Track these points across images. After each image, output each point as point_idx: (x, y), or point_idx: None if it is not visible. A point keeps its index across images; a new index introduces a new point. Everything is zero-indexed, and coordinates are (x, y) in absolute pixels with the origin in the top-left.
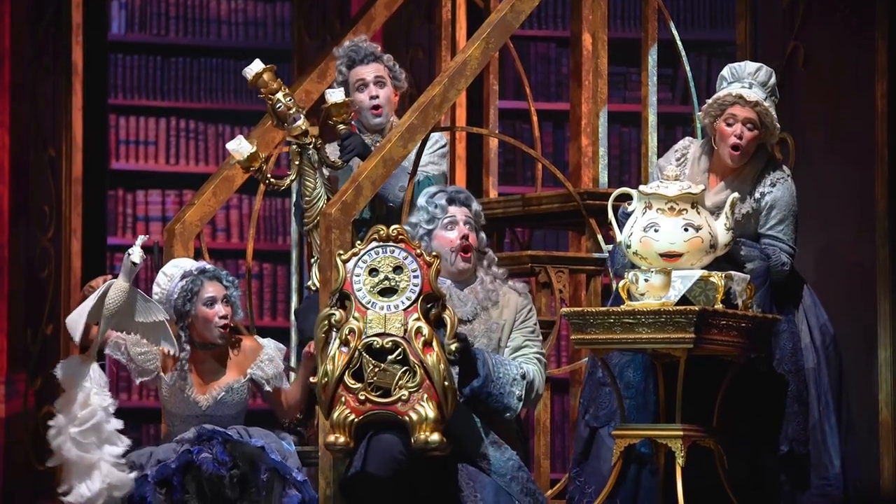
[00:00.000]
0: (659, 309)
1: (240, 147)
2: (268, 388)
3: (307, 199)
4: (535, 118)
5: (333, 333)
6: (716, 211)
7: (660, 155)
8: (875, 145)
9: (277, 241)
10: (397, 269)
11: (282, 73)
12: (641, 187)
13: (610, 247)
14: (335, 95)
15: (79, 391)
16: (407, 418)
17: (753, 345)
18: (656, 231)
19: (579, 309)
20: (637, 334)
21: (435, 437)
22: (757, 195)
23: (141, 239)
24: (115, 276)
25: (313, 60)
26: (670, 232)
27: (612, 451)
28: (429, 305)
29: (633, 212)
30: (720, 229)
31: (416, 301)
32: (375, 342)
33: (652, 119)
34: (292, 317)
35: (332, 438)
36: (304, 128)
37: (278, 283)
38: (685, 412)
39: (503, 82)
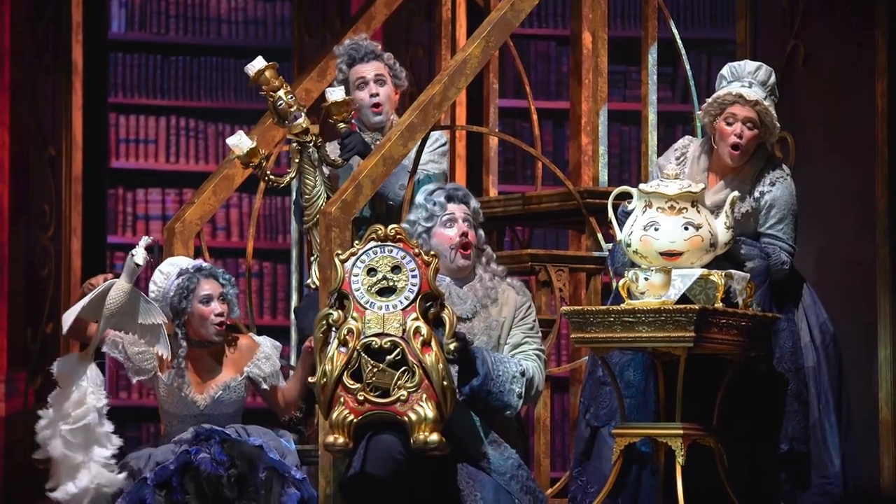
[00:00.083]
0: (659, 308)
1: (240, 142)
2: (265, 385)
3: (307, 197)
4: (535, 117)
5: (332, 333)
6: (715, 210)
7: (660, 154)
8: (875, 144)
9: (277, 240)
10: (395, 268)
11: (282, 72)
12: (641, 186)
13: (610, 245)
14: (335, 94)
15: (74, 389)
16: (406, 418)
17: (753, 343)
18: (656, 230)
19: (579, 308)
20: (637, 333)
21: (434, 437)
22: (756, 194)
23: (144, 240)
24: (116, 276)
25: (313, 59)
26: (670, 230)
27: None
28: (427, 305)
29: (632, 210)
30: (720, 228)
31: (414, 301)
32: (374, 342)
33: (652, 118)
34: (292, 315)
35: (331, 439)
36: (304, 126)
37: (278, 281)
38: (685, 411)
39: (503, 81)
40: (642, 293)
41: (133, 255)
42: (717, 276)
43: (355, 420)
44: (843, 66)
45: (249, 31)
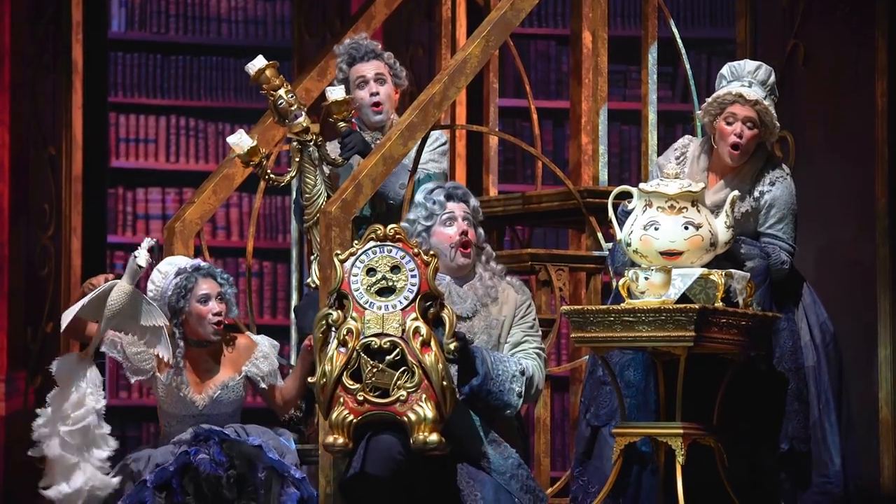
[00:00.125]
0: (659, 307)
1: (240, 141)
2: (263, 385)
3: (307, 196)
4: (535, 116)
5: (331, 333)
6: (715, 210)
7: (660, 153)
8: (875, 143)
9: (277, 239)
10: (395, 268)
11: (282, 71)
12: (641, 185)
13: (610, 245)
14: (336, 93)
15: (73, 390)
16: (405, 419)
17: (753, 343)
18: (656, 229)
19: (579, 307)
20: (637, 332)
21: (433, 437)
22: (756, 194)
23: (147, 242)
24: (116, 276)
25: (313, 58)
26: (670, 230)
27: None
28: (427, 305)
29: (632, 210)
30: (720, 227)
31: (413, 301)
32: (373, 342)
33: (652, 117)
34: (292, 314)
35: (330, 439)
36: (305, 125)
37: (278, 281)
38: (685, 410)
39: (503, 80)
40: (642, 293)
41: (135, 257)
42: (717, 276)
43: (355, 420)
44: (843, 65)
45: (249, 30)
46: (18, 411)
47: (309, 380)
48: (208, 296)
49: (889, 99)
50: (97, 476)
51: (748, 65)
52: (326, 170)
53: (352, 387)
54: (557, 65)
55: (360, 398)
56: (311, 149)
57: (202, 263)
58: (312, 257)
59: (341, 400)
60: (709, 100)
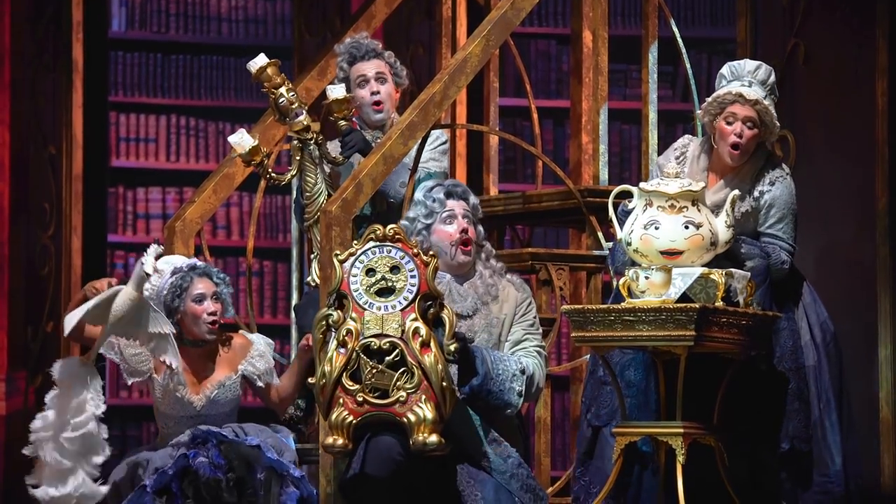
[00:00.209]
0: (659, 306)
1: (242, 140)
2: (259, 383)
3: (308, 194)
4: (535, 115)
5: (331, 334)
6: (715, 209)
7: (660, 152)
8: (875, 143)
9: (278, 239)
10: (394, 268)
11: (282, 71)
12: (642, 184)
13: (610, 244)
14: (336, 91)
15: (75, 396)
16: (405, 419)
17: (754, 342)
18: (657, 228)
19: (580, 306)
20: (637, 332)
21: (433, 438)
22: (756, 194)
23: (154, 250)
24: (118, 278)
25: (313, 58)
26: (671, 229)
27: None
28: (426, 305)
29: (632, 209)
30: (721, 227)
31: (413, 301)
32: (373, 343)
33: (652, 116)
34: (292, 314)
35: (330, 440)
36: (305, 123)
37: (279, 280)
38: (686, 410)
39: (503, 79)
40: (643, 292)
41: (142, 264)
42: (717, 275)
43: (354, 421)
44: (844, 65)
45: (250, 29)
46: (18, 411)
47: (309, 380)
48: (203, 295)
49: (889, 99)
50: (88, 483)
51: (748, 64)
52: (327, 168)
53: (351, 388)
54: (558, 64)
55: (360, 399)
56: (311, 147)
57: (198, 263)
58: (313, 256)
59: (341, 401)
60: (709, 99)
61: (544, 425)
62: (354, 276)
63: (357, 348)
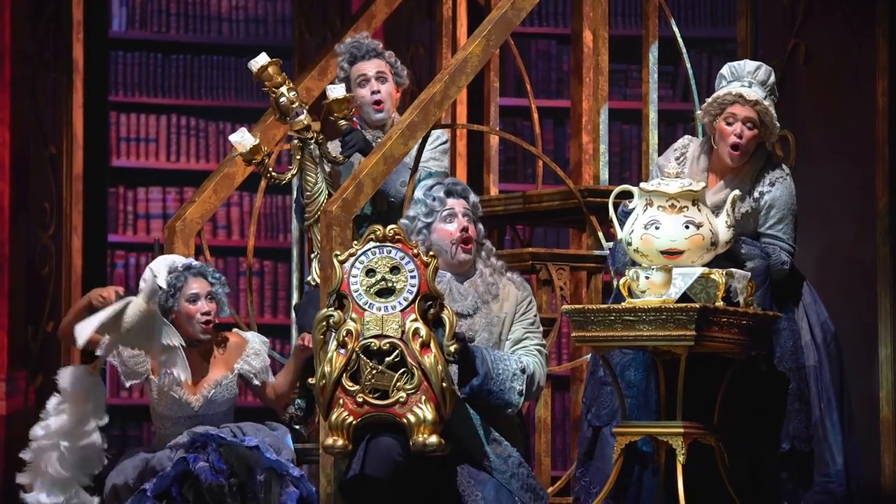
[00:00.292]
0: (660, 306)
1: (242, 139)
2: (256, 382)
3: (308, 194)
4: (535, 115)
5: (331, 335)
6: (715, 210)
7: (660, 152)
8: (875, 143)
9: (278, 239)
10: (394, 269)
11: (283, 70)
12: (642, 184)
13: (611, 244)
14: (336, 91)
15: (80, 406)
16: (405, 420)
17: (754, 342)
18: (657, 228)
19: (580, 306)
20: (638, 332)
21: (433, 439)
22: (756, 194)
23: (167, 264)
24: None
25: (314, 58)
26: (671, 229)
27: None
28: (427, 305)
29: (633, 209)
30: (721, 226)
31: (413, 302)
32: (373, 344)
33: (652, 116)
34: (293, 313)
35: (330, 441)
36: (306, 122)
37: (279, 280)
38: (686, 410)
39: (504, 79)
40: (643, 292)
41: (155, 276)
42: (717, 275)
43: (354, 422)
44: (844, 64)
45: (250, 29)
46: (19, 410)
47: (309, 381)
48: (197, 295)
49: (890, 98)
50: (81, 494)
51: (748, 65)
52: (327, 168)
53: (351, 388)
54: (558, 64)
55: (360, 400)
56: (311, 146)
57: (194, 262)
58: (313, 255)
59: (341, 401)
60: (709, 100)
61: (545, 425)
62: (354, 276)
63: (357, 349)
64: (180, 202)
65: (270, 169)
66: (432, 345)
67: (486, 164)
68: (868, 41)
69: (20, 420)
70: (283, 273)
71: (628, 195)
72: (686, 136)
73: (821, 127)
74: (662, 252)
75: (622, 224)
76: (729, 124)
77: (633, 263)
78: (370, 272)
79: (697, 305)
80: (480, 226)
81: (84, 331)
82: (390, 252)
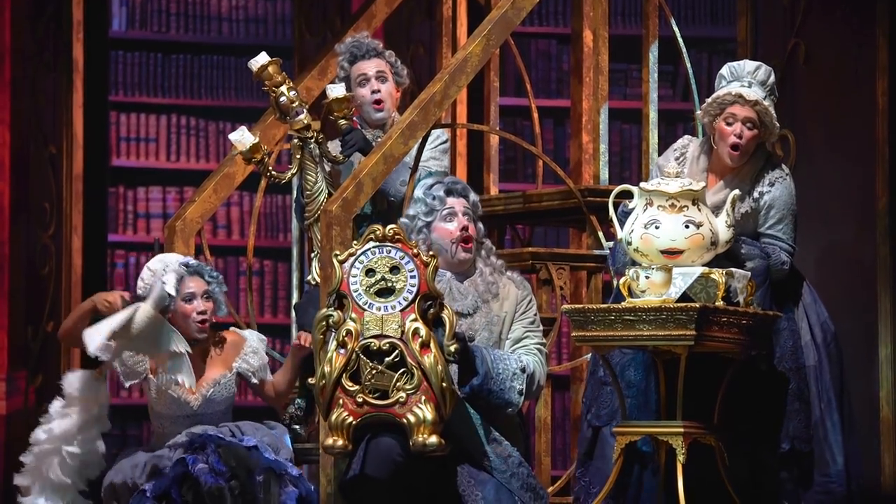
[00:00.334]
0: (660, 306)
1: (242, 138)
2: (254, 380)
3: (308, 193)
4: (535, 115)
5: (331, 334)
6: (715, 210)
7: (660, 152)
8: (875, 143)
9: (278, 238)
10: (394, 269)
11: (283, 70)
12: (642, 184)
13: (611, 244)
14: (336, 90)
15: (85, 412)
16: (405, 420)
17: (754, 342)
18: (657, 228)
19: (580, 306)
20: (638, 331)
21: (433, 439)
22: (756, 195)
23: (175, 271)
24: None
25: (314, 57)
26: (671, 228)
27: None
28: (426, 305)
29: (632, 209)
30: (721, 226)
31: (413, 302)
32: (373, 344)
33: (653, 116)
34: (293, 313)
35: (330, 441)
36: (306, 121)
37: (279, 279)
38: (686, 409)
39: (504, 79)
40: (643, 291)
41: (164, 283)
42: (717, 275)
43: (354, 422)
44: (844, 64)
45: (250, 29)
46: (19, 410)
47: (309, 381)
48: (193, 294)
49: (890, 98)
50: (78, 499)
51: (748, 65)
52: (327, 167)
53: (351, 388)
54: (558, 63)
55: (360, 400)
56: (311, 146)
57: (191, 261)
58: (313, 254)
59: (341, 402)
60: (708, 100)
61: (545, 425)
62: (354, 276)
63: (357, 349)
64: (180, 202)
65: (270, 168)
66: (432, 345)
67: (486, 163)
68: (868, 41)
69: (20, 420)
70: (283, 273)
71: (628, 195)
72: (686, 137)
73: (821, 127)
74: (662, 251)
75: (622, 224)
76: (729, 124)
77: (633, 263)
78: (370, 272)
79: (697, 305)
80: (480, 225)
81: (95, 338)
82: (390, 252)
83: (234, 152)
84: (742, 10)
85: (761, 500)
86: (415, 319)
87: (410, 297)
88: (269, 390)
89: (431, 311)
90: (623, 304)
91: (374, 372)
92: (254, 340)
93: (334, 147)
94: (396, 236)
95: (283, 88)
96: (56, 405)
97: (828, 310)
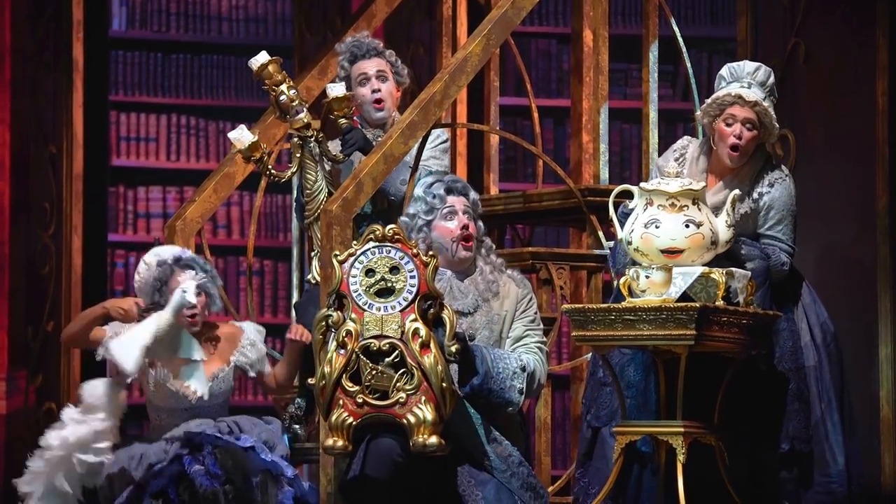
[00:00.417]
0: (660, 305)
1: (241, 136)
2: (252, 373)
3: (308, 192)
4: (535, 115)
5: (331, 335)
6: (714, 211)
7: (660, 152)
8: (875, 143)
9: (278, 238)
10: (394, 269)
11: (283, 70)
12: (642, 184)
13: (611, 243)
14: (336, 90)
15: (102, 421)
16: (405, 421)
17: (754, 341)
18: (657, 227)
19: (580, 306)
20: (638, 331)
21: (433, 440)
22: (755, 195)
23: (192, 281)
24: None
25: (314, 57)
26: (671, 228)
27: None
28: (426, 305)
29: (632, 209)
30: (721, 226)
31: (413, 302)
32: (372, 344)
33: (653, 115)
34: (293, 311)
35: (330, 442)
36: (306, 120)
37: (279, 279)
38: (686, 409)
39: (504, 79)
40: (643, 291)
41: (184, 292)
42: (717, 275)
43: (354, 422)
44: (844, 64)
45: (250, 28)
46: (19, 410)
47: (309, 381)
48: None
49: (890, 98)
50: None
51: (747, 66)
52: (327, 166)
53: (351, 389)
54: (558, 63)
55: (360, 400)
56: (312, 145)
57: (185, 255)
58: (313, 253)
59: (340, 402)
60: (708, 101)
61: (545, 424)
62: (354, 276)
63: (357, 349)
64: (180, 201)
65: (270, 167)
66: (432, 345)
67: (487, 163)
68: (868, 41)
69: (20, 420)
70: (283, 272)
71: (628, 195)
72: (685, 137)
73: (821, 127)
74: (662, 251)
75: (622, 224)
76: (728, 125)
77: (634, 263)
78: (370, 272)
79: (697, 305)
80: (480, 223)
81: (130, 356)
82: (390, 252)
83: (234, 151)
84: (742, 9)
85: (761, 500)
86: (415, 320)
87: (410, 297)
88: (269, 381)
89: (431, 311)
90: (623, 303)
91: (374, 372)
92: (251, 332)
93: (334, 146)
94: (396, 236)
95: (283, 87)
96: (70, 412)
97: (827, 310)
